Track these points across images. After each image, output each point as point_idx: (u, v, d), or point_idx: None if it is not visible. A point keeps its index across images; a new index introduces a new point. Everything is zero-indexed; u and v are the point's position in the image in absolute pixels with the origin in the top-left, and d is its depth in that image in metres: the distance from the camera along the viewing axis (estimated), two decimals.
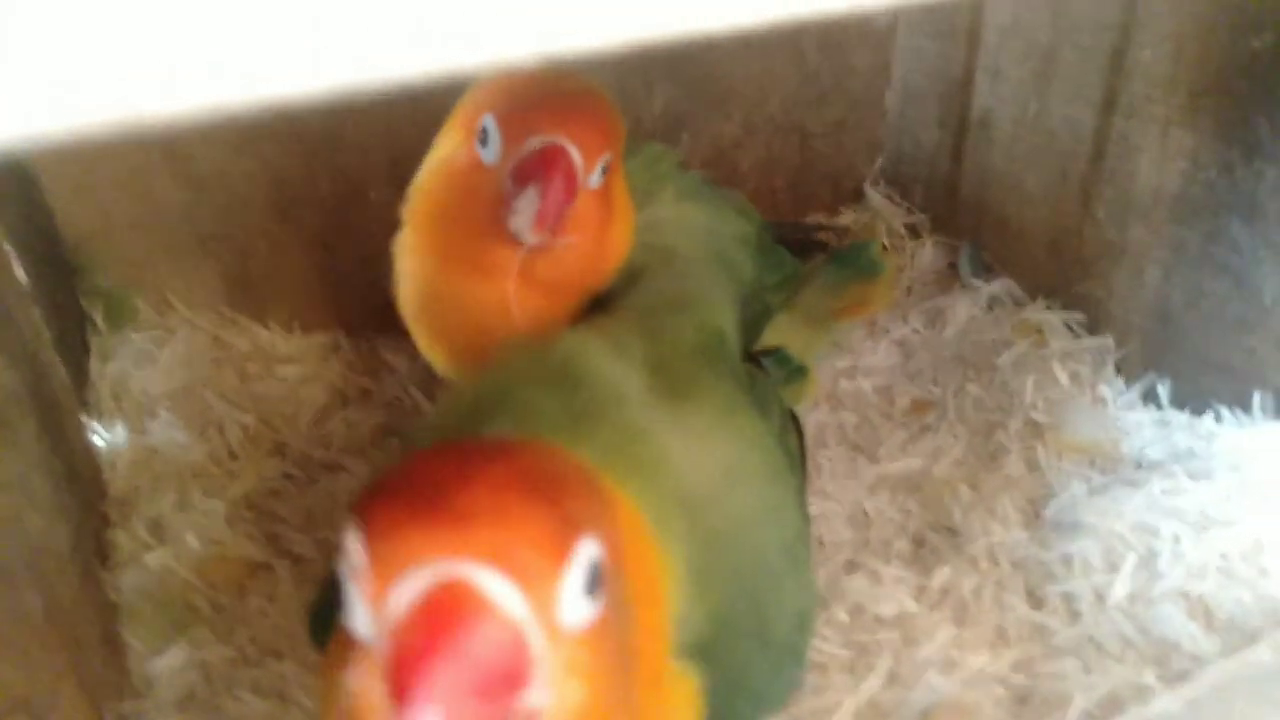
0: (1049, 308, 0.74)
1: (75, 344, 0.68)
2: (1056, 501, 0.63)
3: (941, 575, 0.59)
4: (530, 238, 0.47)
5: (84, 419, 0.64)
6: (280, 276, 0.74)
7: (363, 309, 0.75)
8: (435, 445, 0.32)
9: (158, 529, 0.61)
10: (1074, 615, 0.57)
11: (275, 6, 0.15)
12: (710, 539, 0.37)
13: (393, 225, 0.73)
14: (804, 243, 0.69)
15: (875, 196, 0.87)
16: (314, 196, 0.72)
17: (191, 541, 0.59)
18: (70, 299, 0.70)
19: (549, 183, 0.46)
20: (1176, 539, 0.59)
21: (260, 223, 0.73)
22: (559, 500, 0.28)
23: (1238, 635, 0.55)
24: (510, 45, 0.17)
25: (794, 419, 0.55)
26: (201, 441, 0.66)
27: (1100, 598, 0.58)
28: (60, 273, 0.68)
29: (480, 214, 0.49)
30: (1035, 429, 0.68)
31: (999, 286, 0.77)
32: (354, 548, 0.26)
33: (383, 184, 0.72)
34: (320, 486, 0.65)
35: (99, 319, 0.71)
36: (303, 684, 0.54)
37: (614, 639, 0.29)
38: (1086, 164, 0.70)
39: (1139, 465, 0.65)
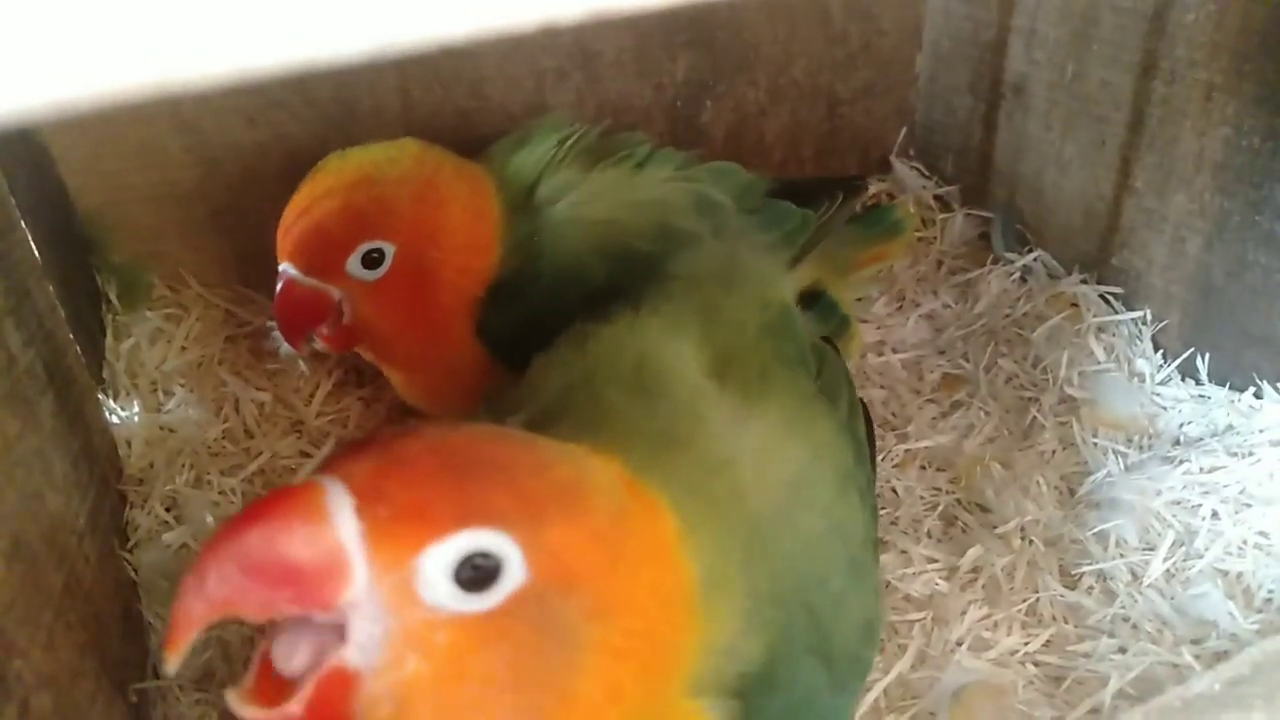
0: (1085, 280, 0.72)
1: (90, 321, 0.67)
2: (1091, 479, 0.61)
3: (973, 554, 0.58)
4: (298, 351, 0.59)
5: (100, 397, 0.63)
6: None
7: None
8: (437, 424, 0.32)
9: (175, 507, 0.60)
10: (1109, 595, 0.56)
11: None
12: (773, 564, 0.35)
13: None
14: (812, 189, 0.67)
15: (903, 168, 0.85)
16: None
17: (208, 519, 0.59)
18: (85, 276, 0.69)
19: (279, 317, 0.57)
20: (1215, 516, 0.58)
21: (273, 196, 0.71)
22: (477, 485, 0.28)
23: (1276, 614, 0.53)
24: (525, 10, 0.16)
25: (861, 403, 0.53)
26: (217, 419, 0.66)
27: (1136, 577, 0.56)
28: (74, 250, 0.67)
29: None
30: (1070, 405, 0.66)
31: (1033, 259, 0.75)
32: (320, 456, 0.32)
33: None
34: None
35: (113, 296, 0.70)
36: None
37: (516, 656, 0.27)
38: (1125, 130, 0.67)
39: (1177, 442, 0.63)
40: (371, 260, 0.55)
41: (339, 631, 0.27)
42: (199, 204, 0.70)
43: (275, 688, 0.27)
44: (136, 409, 0.65)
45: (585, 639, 0.28)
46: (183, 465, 0.62)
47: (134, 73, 0.14)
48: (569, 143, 0.61)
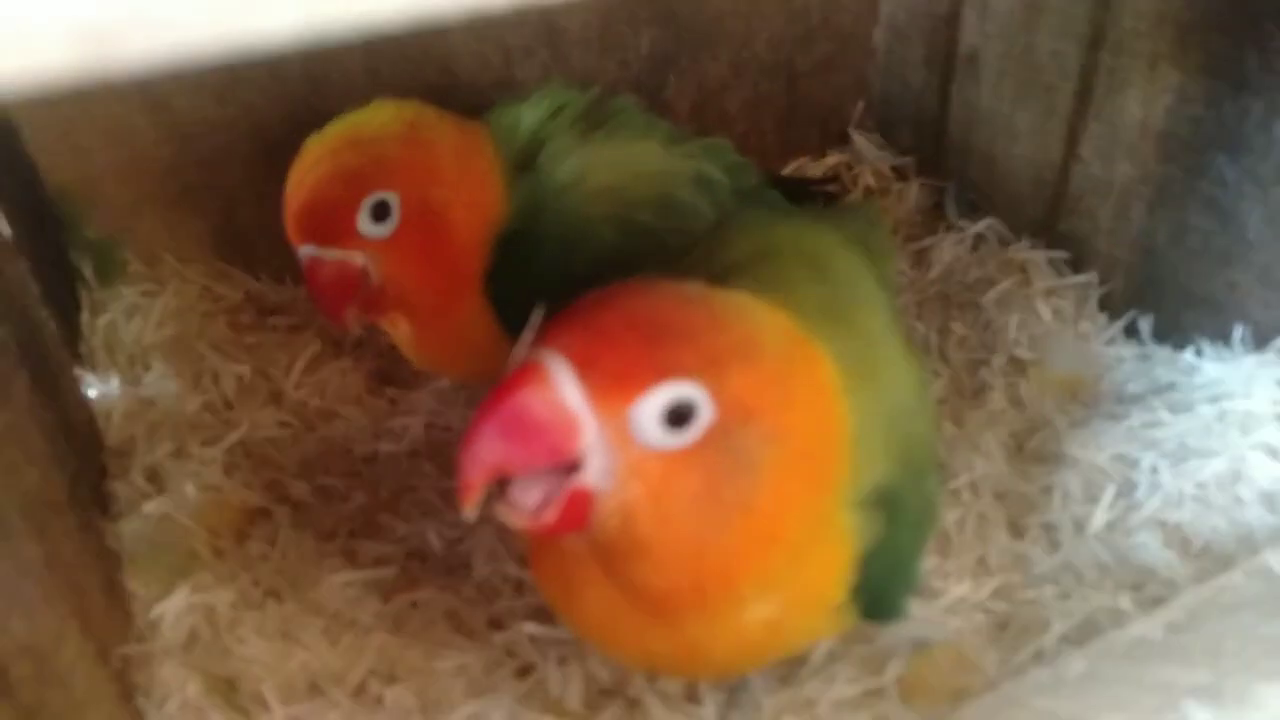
0: (1034, 246, 0.75)
1: (65, 298, 0.68)
2: (1039, 435, 0.64)
3: None
4: (347, 327, 0.57)
5: (77, 372, 0.65)
6: (268, 226, 0.74)
7: None
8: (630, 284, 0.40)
9: (156, 478, 0.62)
10: (1054, 545, 0.59)
11: None
12: (898, 424, 0.42)
13: None
14: (800, 193, 0.69)
15: (860, 139, 0.87)
16: (298, 143, 0.71)
17: (190, 489, 0.60)
18: (58, 253, 0.70)
19: (318, 299, 0.57)
20: (1154, 470, 0.61)
21: (245, 172, 0.72)
22: (670, 347, 0.35)
23: (1211, 562, 0.56)
24: None
25: None
26: (196, 392, 0.67)
27: (1080, 527, 0.59)
28: (47, 226, 0.68)
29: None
30: (1019, 365, 0.69)
31: (985, 226, 0.78)
32: (527, 334, 0.36)
33: None
34: (316, 434, 0.66)
35: (88, 273, 0.71)
36: (304, 624, 0.56)
37: (710, 477, 0.35)
38: (1073, 100, 0.70)
39: (1120, 399, 0.66)
40: (379, 214, 0.55)
41: (567, 472, 0.35)
42: (171, 181, 0.71)
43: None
44: (115, 383, 0.66)
45: (761, 460, 0.36)
46: (163, 437, 0.63)
47: (100, 49, 0.15)
48: (566, 108, 0.61)
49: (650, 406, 0.34)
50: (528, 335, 0.36)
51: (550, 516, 0.35)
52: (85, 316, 0.69)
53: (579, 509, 0.35)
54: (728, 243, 0.47)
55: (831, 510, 0.39)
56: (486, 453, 0.33)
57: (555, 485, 0.35)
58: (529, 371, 0.34)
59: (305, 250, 0.56)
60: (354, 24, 0.16)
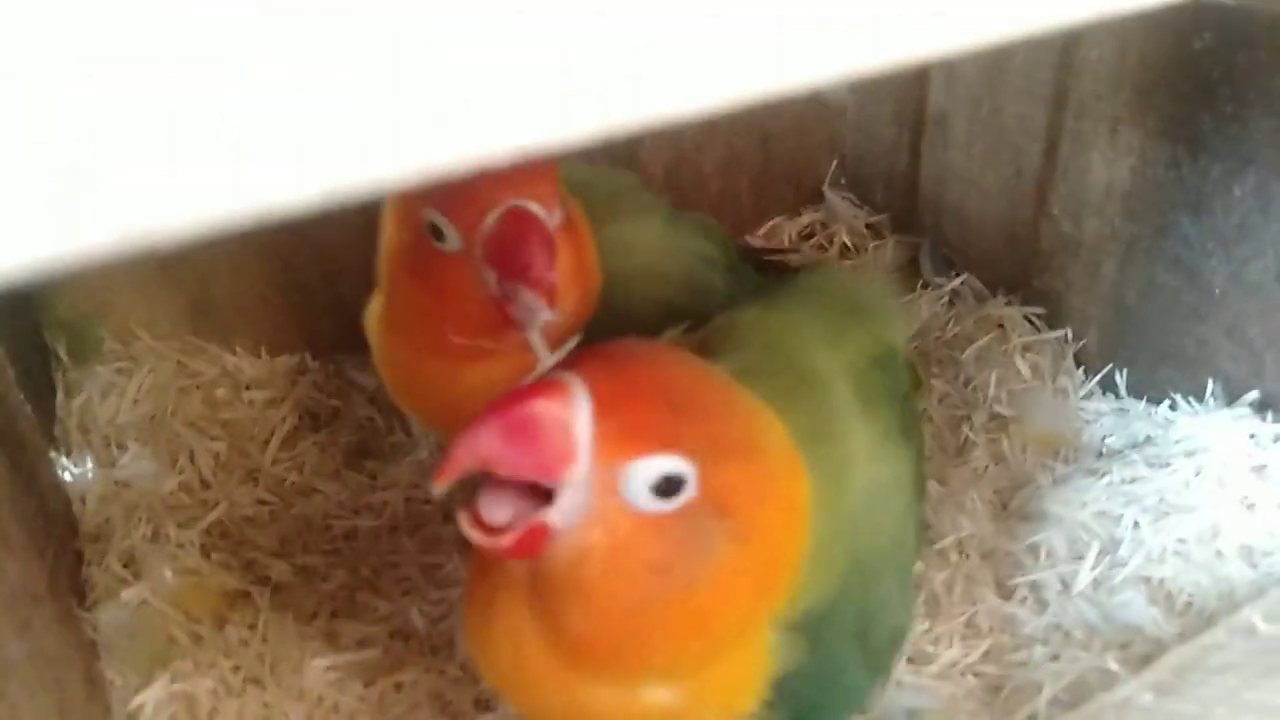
0: (1009, 302, 0.76)
1: (40, 378, 0.67)
2: (1022, 493, 0.65)
3: (914, 571, 0.61)
4: (547, 315, 0.46)
5: (52, 455, 0.64)
6: (243, 299, 0.74)
7: (328, 329, 0.75)
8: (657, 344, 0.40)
9: (132, 563, 0.60)
10: (1041, 604, 0.59)
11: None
12: (850, 547, 0.42)
13: (355, 242, 0.73)
14: (763, 263, 0.69)
15: (834, 198, 0.88)
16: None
17: (167, 574, 0.59)
18: (32, 333, 0.69)
19: (533, 258, 0.46)
20: (1136, 526, 0.61)
21: (221, 245, 0.72)
22: (686, 421, 0.35)
23: (1195, 618, 0.57)
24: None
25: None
26: (172, 472, 0.66)
27: (1066, 586, 0.60)
28: (21, 306, 0.68)
29: (467, 306, 0.49)
30: (1000, 422, 0.70)
31: (960, 282, 0.79)
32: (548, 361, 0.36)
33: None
34: (295, 511, 0.65)
35: (62, 352, 0.70)
36: (286, 711, 0.55)
37: (669, 550, 0.35)
38: (1040, 160, 0.71)
39: (1100, 454, 0.67)
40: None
41: (538, 497, 0.35)
42: (146, 256, 0.70)
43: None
44: (90, 465, 0.65)
45: (720, 553, 0.36)
46: (139, 519, 0.62)
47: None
48: (591, 187, 0.58)
49: (647, 469, 0.34)
50: (560, 356, 0.36)
51: (508, 541, 0.34)
52: (60, 397, 0.69)
53: (536, 541, 0.35)
54: (740, 340, 0.46)
55: (761, 623, 0.39)
56: (483, 442, 0.33)
57: (522, 510, 0.35)
58: (553, 386, 0.34)
59: (518, 203, 0.47)
60: (370, 188, 0.16)
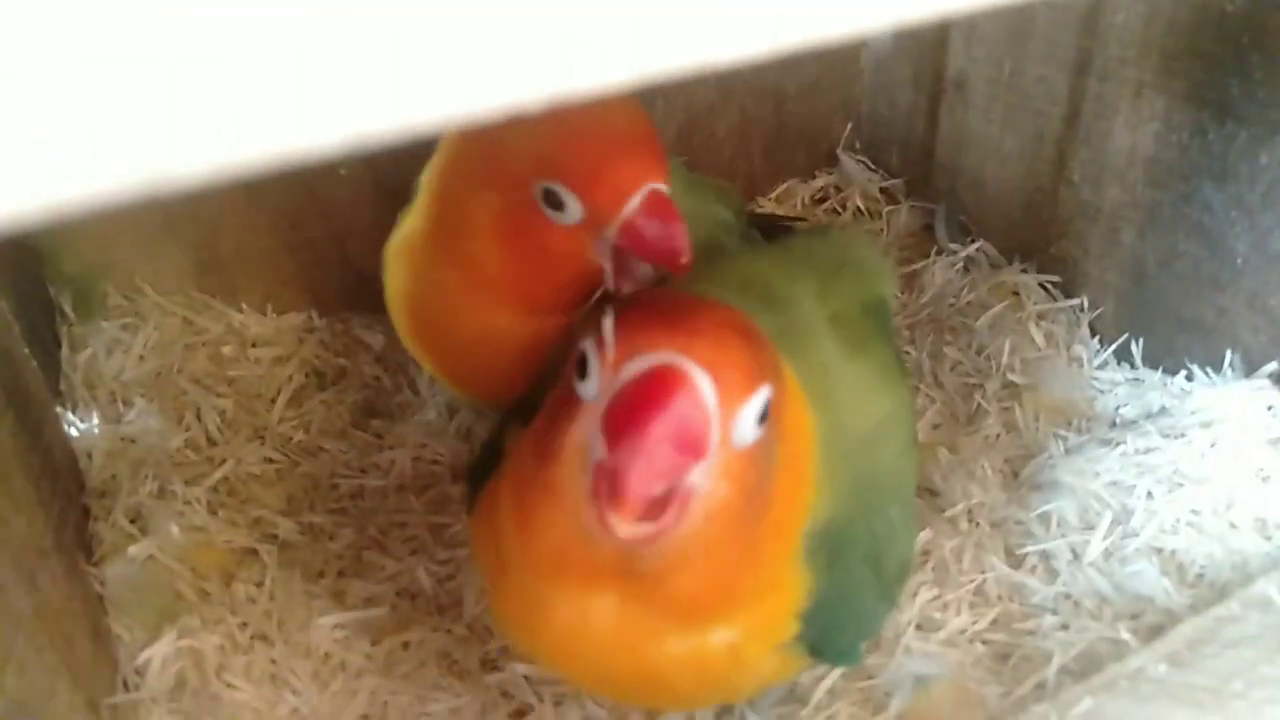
0: (1025, 270, 0.75)
1: (45, 333, 0.66)
2: (1034, 462, 0.64)
3: (923, 537, 0.60)
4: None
5: (58, 411, 0.63)
6: (250, 256, 0.73)
7: (335, 287, 0.75)
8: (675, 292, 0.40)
9: (139, 519, 0.60)
10: (1052, 574, 0.59)
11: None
12: (856, 471, 0.43)
13: (363, 200, 0.72)
14: (772, 230, 0.68)
15: (849, 161, 0.87)
16: (282, 172, 0.71)
17: (174, 530, 0.59)
18: (37, 288, 0.68)
19: (680, 244, 0.46)
20: (1150, 496, 0.61)
21: (227, 201, 0.71)
22: (758, 351, 0.36)
23: (1208, 589, 0.56)
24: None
25: None
26: (178, 428, 0.66)
27: (1077, 556, 0.59)
28: (26, 261, 0.67)
29: (566, 274, 0.50)
30: (1013, 390, 0.69)
31: (975, 249, 0.78)
32: (607, 334, 0.35)
33: (353, 158, 0.70)
34: (302, 470, 0.65)
35: (68, 307, 0.69)
36: (293, 668, 0.55)
37: (759, 472, 0.37)
38: (1061, 126, 0.70)
39: (1113, 424, 0.66)
40: None
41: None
42: (152, 210, 0.70)
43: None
44: (96, 421, 0.65)
45: (775, 458, 0.38)
46: (145, 476, 0.62)
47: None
48: None
49: (752, 408, 0.35)
50: (607, 334, 0.35)
51: (670, 521, 0.34)
52: (65, 352, 0.68)
53: (684, 511, 0.35)
54: (733, 288, 0.47)
55: (796, 547, 0.40)
56: (663, 463, 0.33)
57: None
58: (674, 377, 0.34)
59: (655, 186, 0.47)
60: (401, 133, 0.16)
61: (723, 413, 0.34)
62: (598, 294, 0.52)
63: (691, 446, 0.33)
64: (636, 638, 0.39)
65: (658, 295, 0.40)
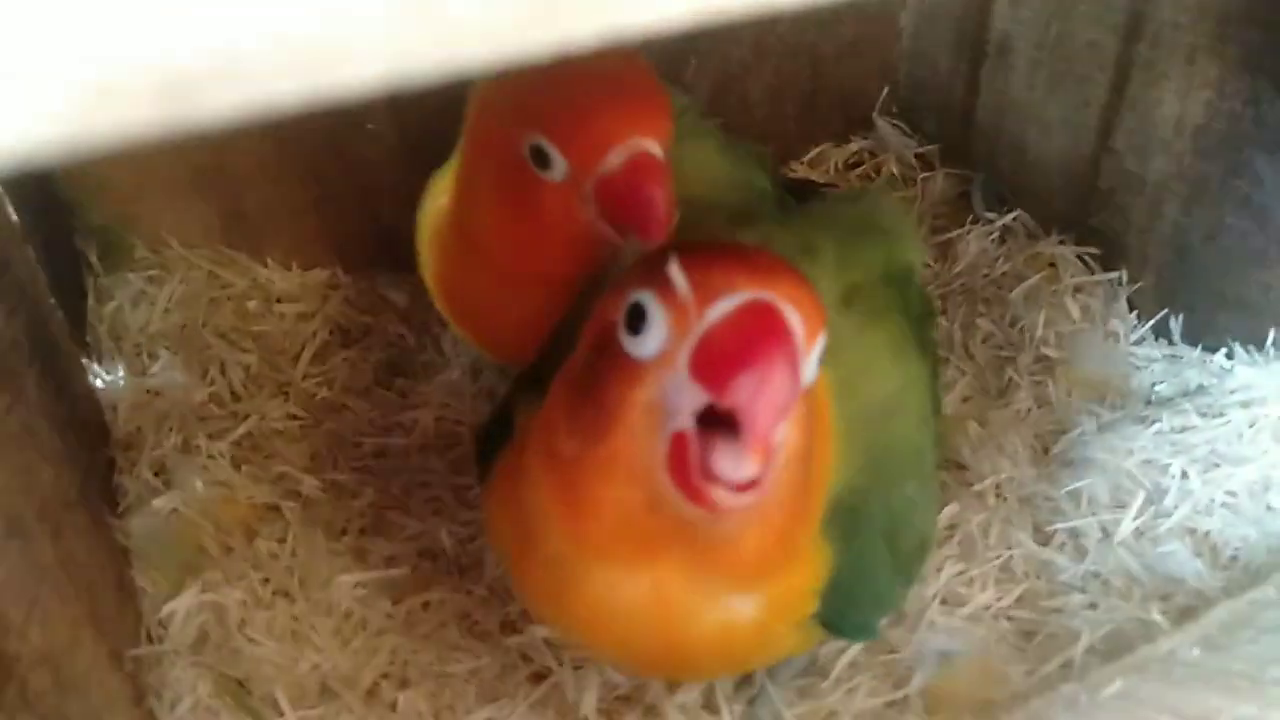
0: (1063, 241, 0.73)
1: (71, 284, 0.66)
2: (1066, 438, 0.63)
3: (949, 511, 0.59)
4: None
5: (84, 362, 0.63)
6: (276, 212, 0.73)
7: (361, 244, 0.74)
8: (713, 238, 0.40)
9: (163, 472, 0.60)
10: (1080, 552, 0.58)
11: None
12: (870, 442, 0.42)
13: (391, 157, 0.71)
14: (805, 194, 0.66)
15: (884, 126, 0.84)
16: (309, 128, 0.70)
17: (198, 484, 0.59)
18: (64, 239, 0.68)
19: (653, 212, 0.43)
20: (1184, 476, 0.59)
21: (255, 156, 0.70)
22: (814, 289, 0.35)
23: (1242, 573, 0.55)
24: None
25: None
26: (203, 383, 0.66)
27: (1107, 534, 0.58)
28: (53, 212, 0.67)
29: (560, 235, 0.47)
30: (1046, 364, 0.68)
31: (1012, 218, 0.76)
32: (677, 278, 0.32)
33: (381, 115, 0.69)
34: (325, 427, 0.65)
35: (94, 259, 0.69)
36: (315, 625, 0.55)
37: (810, 420, 0.36)
38: (1107, 92, 0.67)
39: (1149, 401, 0.65)
40: None
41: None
42: (179, 163, 0.69)
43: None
44: (121, 373, 0.65)
45: (810, 405, 0.36)
46: (170, 429, 0.62)
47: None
48: None
49: (819, 346, 0.34)
50: (678, 279, 0.33)
51: (770, 476, 0.32)
52: (91, 304, 0.68)
53: (776, 462, 0.33)
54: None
55: (827, 488, 0.40)
56: (784, 399, 0.31)
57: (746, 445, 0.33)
58: (772, 311, 0.32)
59: (643, 144, 0.44)
60: (438, 70, 0.15)
61: (803, 353, 0.33)
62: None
63: (790, 389, 0.31)
64: (675, 610, 0.38)
65: (703, 243, 0.37)
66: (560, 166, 0.46)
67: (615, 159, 0.44)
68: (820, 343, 0.34)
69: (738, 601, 0.38)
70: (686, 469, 0.32)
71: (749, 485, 0.32)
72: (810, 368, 0.34)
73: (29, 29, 0.13)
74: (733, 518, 0.34)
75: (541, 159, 0.46)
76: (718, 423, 0.32)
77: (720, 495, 0.32)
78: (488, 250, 0.51)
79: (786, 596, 0.40)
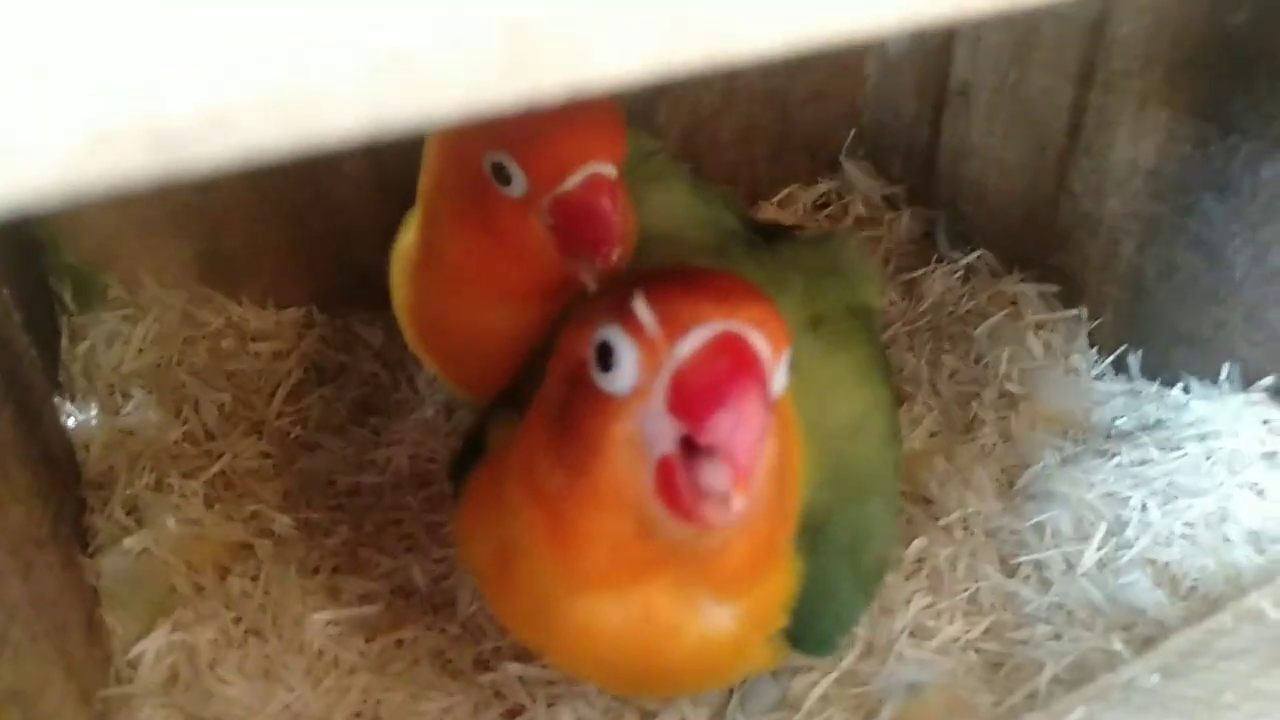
0: (1024, 279, 0.75)
1: (44, 323, 0.66)
2: (1030, 471, 0.64)
3: (918, 545, 0.60)
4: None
5: (56, 401, 0.63)
6: (252, 251, 0.73)
7: (336, 283, 0.75)
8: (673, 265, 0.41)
9: (135, 511, 0.60)
10: (1045, 583, 0.59)
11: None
12: (835, 459, 0.43)
13: (366, 198, 0.72)
14: (774, 233, 0.68)
15: (851, 168, 0.87)
16: (286, 169, 0.71)
17: (170, 523, 0.59)
18: (38, 278, 0.68)
19: (608, 234, 0.44)
20: (1144, 508, 0.61)
21: (232, 196, 0.71)
22: (779, 313, 0.36)
23: (1200, 602, 0.57)
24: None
25: None
26: (176, 421, 0.66)
27: (1071, 566, 0.59)
28: (27, 250, 0.67)
29: (522, 252, 0.48)
30: (1010, 400, 0.69)
31: (975, 257, 0.78)
32: (644, 316, 0.33)
33: (357, 156, 0.70)
34: (298, 465, 0.65)
35: (68, 298, 0.69)
36: (286, 664, 0.55)
37: (782, 428, 0.37)
38: (1064, 136, 0.70)
39: (1109, 435, 0.66)
40: None
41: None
42: (157, 204, 0.70)
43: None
44: (94, 412, 0.65)
45: (780, 424, 0.37)
46: (143, 468, 0.62)
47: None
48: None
49: (786, 359, 0.35)
50: (644, 316, 0.33)
51: (754, 489, 0.33)
52: (64, 343, 0.68)
53: (759, 475, 0.34)
54: None
55: (796, 502, 0.40)
56: (760, 428, 0.32)
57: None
58: (741, 342, 0.33)
59: (600, 168, 0.46)
60: (413, 121, 0.16)
61: (770, 374, 0.34)
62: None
63: (762, 417, 0.33)
64: (661, 628, 0.38)
65: (664, 271, 0.38)
66: (520, 183, 0.47)
67: (574, 179, 0.45)
68: (786, 357, 0.35)
69: (720, 614, 0.39)
70: (676, 492, 0.33)
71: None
72: (779, 380, 0.35)
73: (25, 81, 0.14)
74: (721, 531, 0.35)
75: (502, 175, 0.47)
76: (696, 444, 0.33)
77: (713, 511, 0.33)
78: (451, 267, 0.52)
79: (763, 606, 0.41)
